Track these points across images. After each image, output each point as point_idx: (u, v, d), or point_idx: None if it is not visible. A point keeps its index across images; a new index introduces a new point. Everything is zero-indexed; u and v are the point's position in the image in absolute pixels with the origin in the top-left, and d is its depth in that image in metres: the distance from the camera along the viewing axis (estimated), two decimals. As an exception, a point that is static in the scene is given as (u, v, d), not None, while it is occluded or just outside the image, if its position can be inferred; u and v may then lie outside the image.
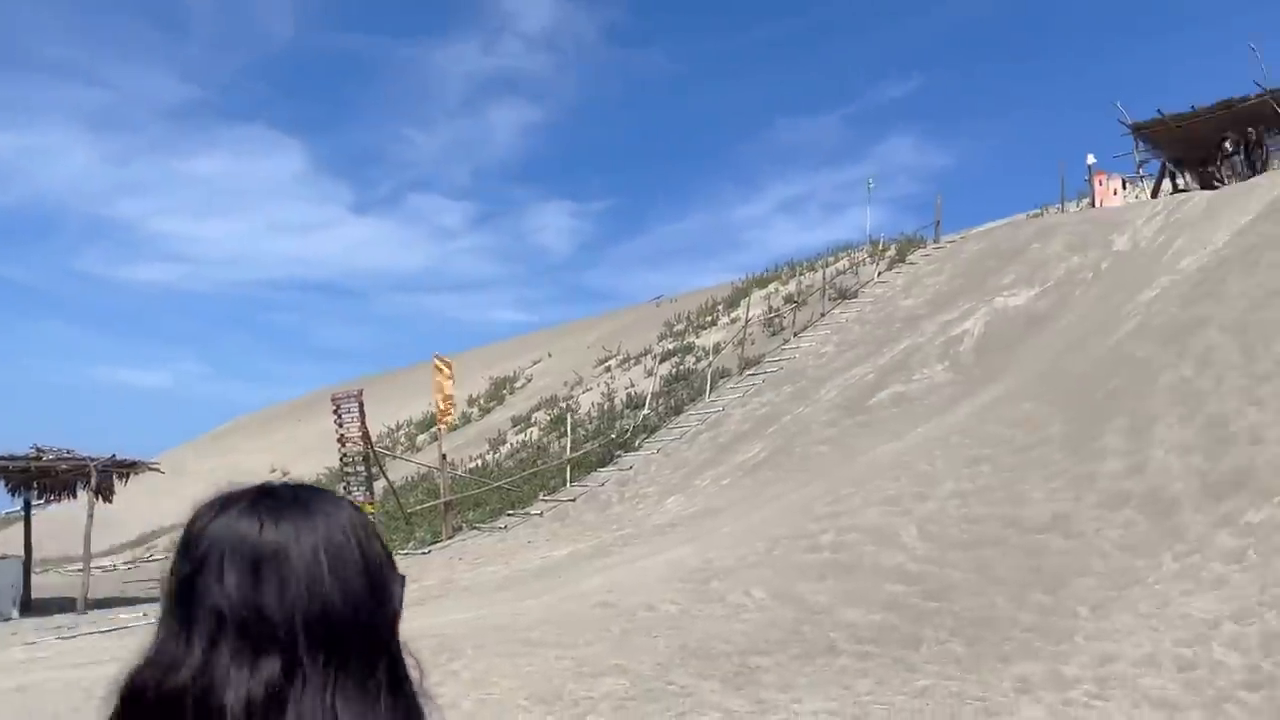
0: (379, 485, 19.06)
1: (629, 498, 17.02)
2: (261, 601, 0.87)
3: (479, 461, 23.90)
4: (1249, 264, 14.57)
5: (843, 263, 29.03)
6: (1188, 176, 28.07)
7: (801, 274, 30.45)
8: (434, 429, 29.52)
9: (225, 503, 0.93)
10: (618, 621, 9.31)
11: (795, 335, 23.35)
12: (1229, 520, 8.57)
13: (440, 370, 19.26)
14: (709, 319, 30.40)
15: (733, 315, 29.25)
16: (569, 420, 21.79)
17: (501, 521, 17.67)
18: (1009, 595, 8.51)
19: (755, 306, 27.65)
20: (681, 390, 22.91)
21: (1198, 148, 28.11)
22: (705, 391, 21.67)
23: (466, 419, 31.31)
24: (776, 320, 25.74)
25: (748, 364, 22.49)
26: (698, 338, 28.51)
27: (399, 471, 23.97)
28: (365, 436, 17.55)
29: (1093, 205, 27.09)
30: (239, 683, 0.85)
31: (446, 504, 17.90)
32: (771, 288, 30.52)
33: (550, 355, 38.11)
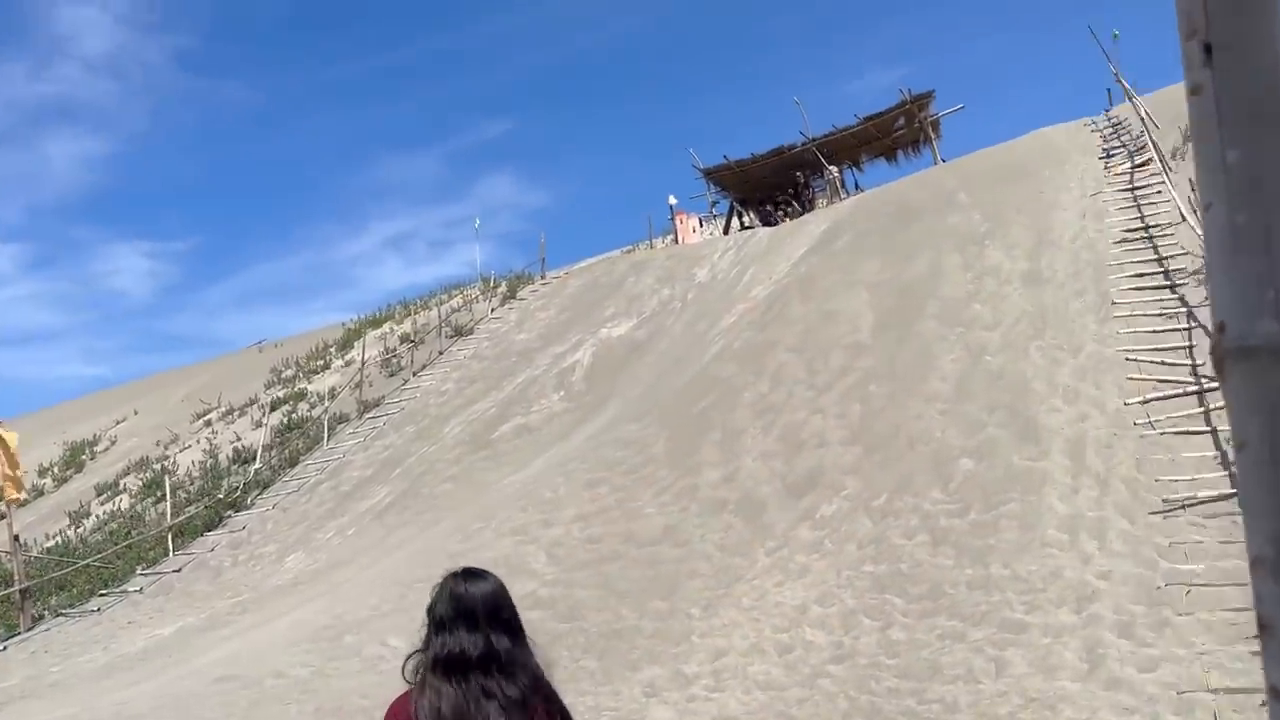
0: (-75, 582, 16.05)
1: (244, 560, 15.87)
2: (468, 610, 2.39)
3: (59, 539, 20.93)
4: (805, 291, 16.93)
5: (456, 300, 29.33)
6: (751, 214, 31.89)
7: (416, 312, 30.29)
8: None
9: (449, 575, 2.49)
10: (244, 694, 8.69)
11: (415, 375, 23.19)
12: (807, 515, 9.91)
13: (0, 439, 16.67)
14: (321, 362, 29.19)
15: (347, 357, 28.35)
16: (167, 483, 19.83)
17: (94, 604, 15.64)
18: (632, 606, 9.15)
19: (371, 347, 27.04)
20: (296, 440, 21.78)
21: (758, 189, 32.11)
22: (323, 439, 20.80)
23: (39, 492, 27.26)
24: (394, 360, 25.37)
25: (367, 407, 21.95)
26: (310, 383, 27.26)
27: (-49, 563, 20.31)
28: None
29: (676, 242, 29.85)
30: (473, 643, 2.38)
31: (23, 592, 15.49)
32: (386, 327, 30.02)
33: (136, 412, 34.34)
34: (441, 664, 2.33)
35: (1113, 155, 18.60)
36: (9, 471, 16.73)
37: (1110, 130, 20.54)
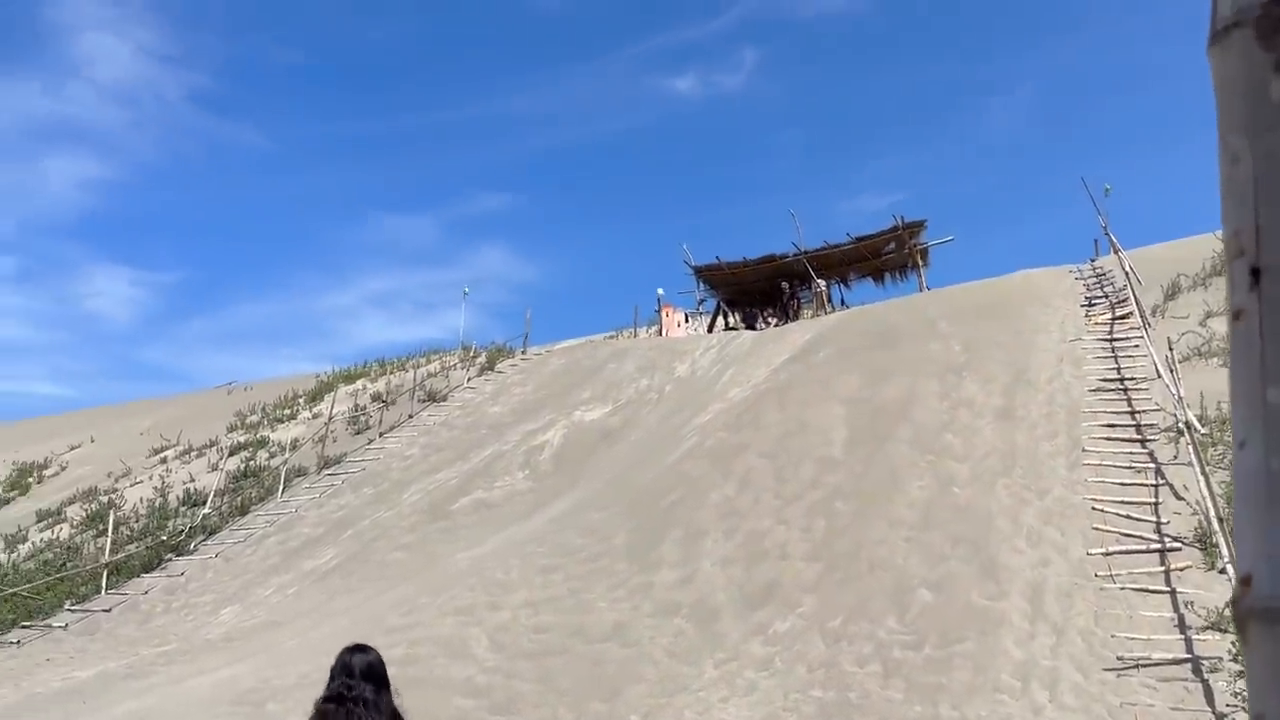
0: None
1: (177, 608, 15.34)
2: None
3: (-12, 562, 20.22)
4: (782, 399, 16.94)
5: (434, 365, 29.18)
6: (737, 316, 32.18)
7: (392, 372, 30.09)
8: (-71, 521, 24.57)
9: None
10: (154, 754, 8.28)
11: (381, 435, 22.89)
12: (761, 629, 9.70)
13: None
14: (287, 412, 28.82)
15: (315, 410, 28.01)
16: (110, 517, 19.28)
17: (14, 635, 15.02)
18: (570, 705, 8.85)
19: (341, 402, 26.75)
20: (251, 488, 21.32)
21: (746, 293, 32.49)
22: (278, 491, 20.37)
23: (-24, 510, 26.47)
24: (363, 418, 25.08)
25: (327, 463, 21.58)
26: (273, 431, 26.85)
27: (-127, 574, 19.56)
28: None
29: (660, 334, 30.01)
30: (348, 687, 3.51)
31: (-62, 615, 14.88)
32: (359, 384, 29.76)
33: (93, 440, 33.65)
34: (328, 699, 3.49)
35: (1094, 304, 18.96)
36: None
37: (1094, 279, 20.98)
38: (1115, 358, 15.50)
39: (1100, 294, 19.61)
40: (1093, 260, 23.20)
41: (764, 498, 13.00)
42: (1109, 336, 16.61)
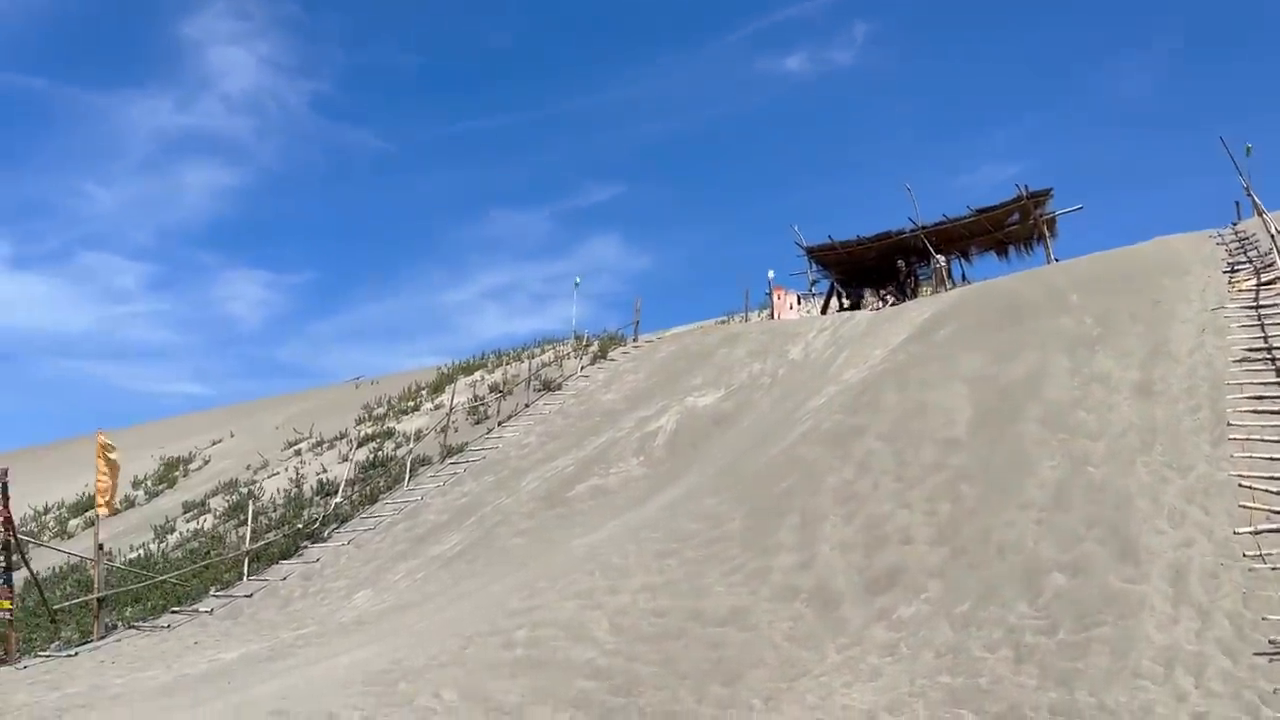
0: (19, 576, 16.60)
1: (314, 593, 16.01)
2: None
3: (141, 551, 21.55)
4: (901, 380, 16.51)
5: (548, 354, 29.62)
6: (851, 296, 31.53)
7: (508, 363, 30.69)
8: (89, 513, 26.32)
9: None
10: (293, 731, 8.64)
11: (500, 424, 23.37)
12: (884, 614, 9.47)
13: (105, 451, 17.31)
14: (411, 404, 29.73)
15: (437, 401, 28.81)
16: (250, 507, 20.26)
17: (165, 620, 15.96)
18: (691, 688, 8.83)
19: (460, 394, 27.44)
20: (379, 478, 22.09)
21: (861, 272, 31.78)
22: (404, 480, 21.04)
23: (130, 503, 28.24)
24: (481, 408, 25.65)
25: (450, 452, 22.16)
26: (399, 423, 27.75)
27: (45, 561, 21.09)
28: (7, 521, 15.30)
29: (772, 317, 29.67)
30: None
31: (100, 600, 15.91)
32: (477, 375, 30.46)
33: (233, 435, 35.47)
34: None
35: (1238, 270, 17.82)
36: (106, 483, 17.33)
37: (1236, 244, 19.74)
38: (1262, 326, 14.53)
39: (1244, 259, 18.42)
40: (1234, 224, 21.83)
41: (884, 481, 12.69)
42: (1254, 304, 15.57)
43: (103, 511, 17.80)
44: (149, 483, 30.43)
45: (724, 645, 9.54)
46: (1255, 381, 12.70)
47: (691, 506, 13.93)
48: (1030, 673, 7.80)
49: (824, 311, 30.47)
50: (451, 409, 25.05)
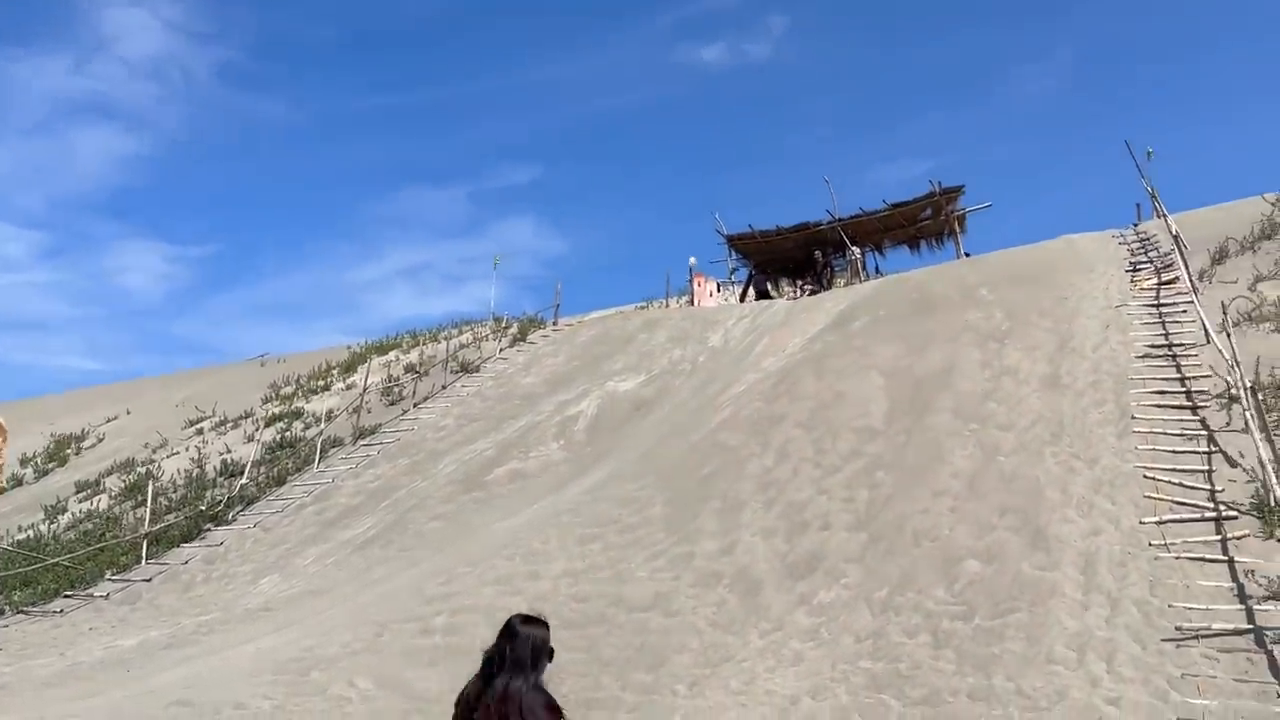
0: (-110, 561, 15.63)
1: (217, 577, 15.44)
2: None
3: (31, 532, 20.49)
4: (819, 369, 16.72)
5: (466, 336, 29.16)
6: (769, 285, 31.83)
7: (424, 344, 30.11)
8: (-27, 493, 24.93)
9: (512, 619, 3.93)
10: (200, 722, 8.29)
11: (415, 406, 22.91)
12: (805, 599, 9.56)
13: (-10, 425, 16.36)
14: (322, 383, 28.94)
15: (349, 381, 28.10)
16: (149, 488, 19.43)
17: (57, 604, 15.20)
18: (614, 674, 8.77)
19: (374, 374, 26.81)
20: (287, 459, 21.42)
21: (778, 261, 32.14)
22: (314, 461, 20.45)
23: (18, 481, 26.86)
24: (396, 389, 25.11)
25: (363, 434, 21.63)
26: (308, 403, 26.97)
27: (-81, 543, 19.88)
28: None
29: (692, 304, 29.76)
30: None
31: (-16, 584, 15.06)
32: (392, 355, 29.82)
33: (129, 412, 34.01)
34: (486, 655, 3.86)
35: (1139, 269, 18.52)
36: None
37: (1138, 244, 20.50)
38: (1163, 323, 15.13)
39: (1145, 259, 19.15)
40: (1135, 225, 22.68)
41: (803, 468, 12.82)
42: (1156, 302, 16.21)
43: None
44: (38, 460, 28.97)
45: (647, 631, 9.50)
46: (1157, 377, 13.20)
47: (613, 491, 13.85)
48: (949, 658, 7.96)
49: (742, 299, 30.70)
50: (365, 389, 24.46)
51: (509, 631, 3.84)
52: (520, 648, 3.78)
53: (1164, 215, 20.24)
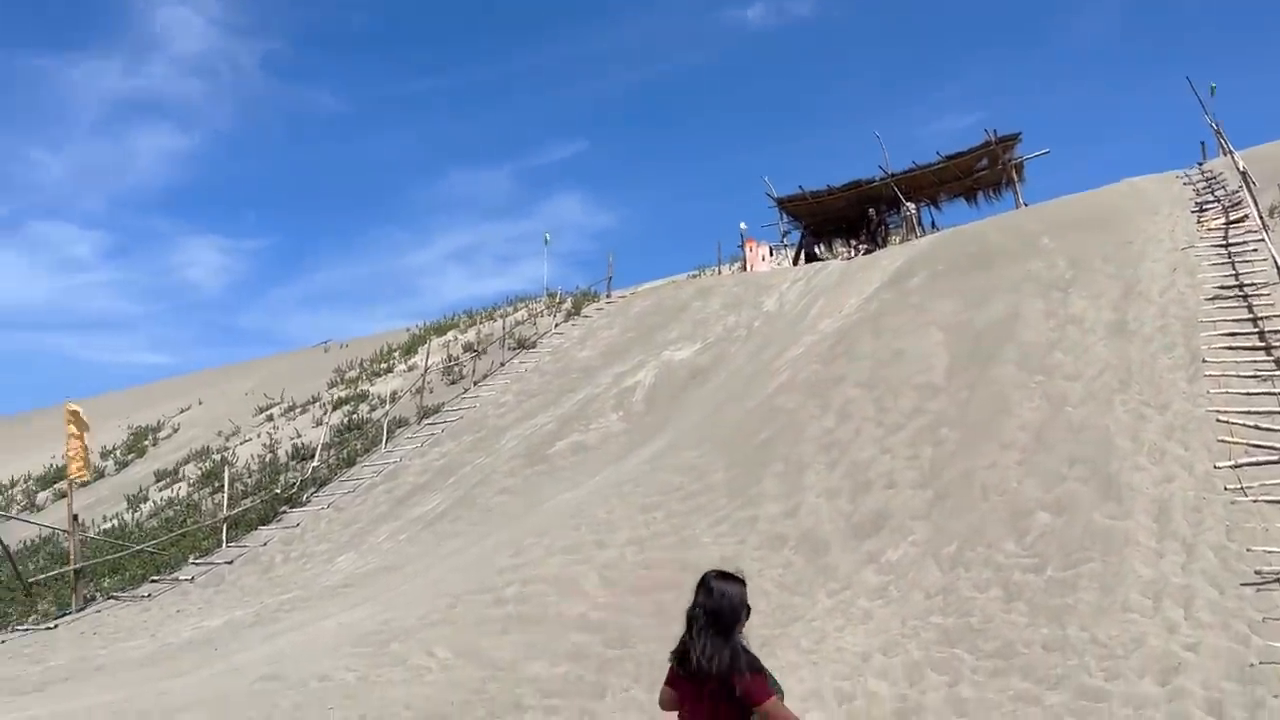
0: (-13, 553, 16.37)
1: (295, 557, 15.90)
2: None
3: (115, 522, 21.28)
4: (875, 328, 16.55)
5: (521, 313, 29.41)
6: (823, 246, 31.51)
7: (481, 323, 30.45)
8: (58, 485, 25.93)
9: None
10: (286, 695, 8.58)
11: (475, 384, 23.22)
12: (872, 558, 9.54)
13: (72, 420, 16.99)
14: (384, 366, 29.46)
15: (410, 363, 28.56)
16: (225, 474, 20.03)
17: (145, 589, 15.80)
18: (685, 638, 8.86)
19: (434, 354, 27.20)
20: (355, 441, 21.91)
21: (831, 221, 31.74)
22: (381, 442, 20.88)
23: (100, 474, 27.85)
24: (456, 369, 25.46)
25: (426, 413, 22.00)
26: (372, 385, 27.50)
27: (15, 535, 20.76)
28: (-29, 497, 15.02)
29: (744, 269, 29.59)
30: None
31: (77, 571, 15.70)
32: (450, 335, 30.22)
33: (201, 402, 35.00)
34: (690, 613, 3.86)
35: (1206, 209, 17.97)
36: (81, 448, 17.04)
37: (1203, 184, 19.88)
38: (1232, 263, 14.68)
39: (1211, 198, 18.57)
40: (1200, 164, 21.98)
41: (865, 428, 12.74)
42: (1224, 242, 15.73)
43: (84, 476, 17.54)
44: (118, 453, 30.00)
45: (715, 594, 9.56)
46: (1228, 319, 12.84)
47: (673, 460, 13.93)
48: (1021, 610, 7.90)
49: (795, 262, 30.44)
50: (426, 370, 24.84)
51: (705, 588, 3.83)
52: (719, 602, 3.75)
53: (1230, 152, 19.58)
